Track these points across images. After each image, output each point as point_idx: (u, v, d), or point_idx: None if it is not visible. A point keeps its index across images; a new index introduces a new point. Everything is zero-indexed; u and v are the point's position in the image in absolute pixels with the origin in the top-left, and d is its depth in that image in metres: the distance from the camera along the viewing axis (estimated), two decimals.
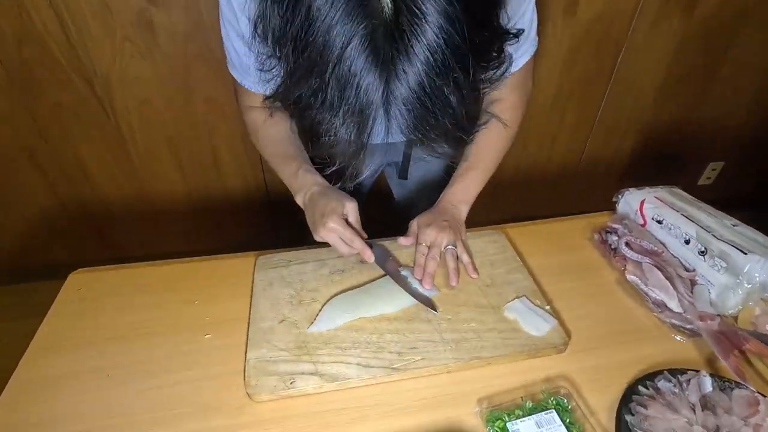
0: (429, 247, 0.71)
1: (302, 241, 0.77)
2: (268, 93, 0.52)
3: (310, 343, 0.60)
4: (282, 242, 0.78)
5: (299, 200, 0.71)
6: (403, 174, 1.01)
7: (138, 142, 1.39)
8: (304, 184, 0.71)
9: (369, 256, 0.67)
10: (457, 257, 0.71)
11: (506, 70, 0.51)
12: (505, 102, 0.77)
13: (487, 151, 0.79)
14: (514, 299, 0.67)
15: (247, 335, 0.61)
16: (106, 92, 1.28)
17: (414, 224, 0.75)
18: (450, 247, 0.71)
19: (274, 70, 0.49)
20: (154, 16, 1.18)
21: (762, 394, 0.54)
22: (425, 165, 1.01)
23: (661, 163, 1.87)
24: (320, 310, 0.64)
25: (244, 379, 0.56)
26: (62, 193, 1.45)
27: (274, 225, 1.63)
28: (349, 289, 0.68)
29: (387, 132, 0.44)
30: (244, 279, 0.71)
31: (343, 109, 0.41)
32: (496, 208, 1.79)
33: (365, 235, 0.69)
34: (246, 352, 0.59)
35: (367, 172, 0.53)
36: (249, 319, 0.64)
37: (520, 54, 0.69)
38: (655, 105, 1.70)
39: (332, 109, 0.41)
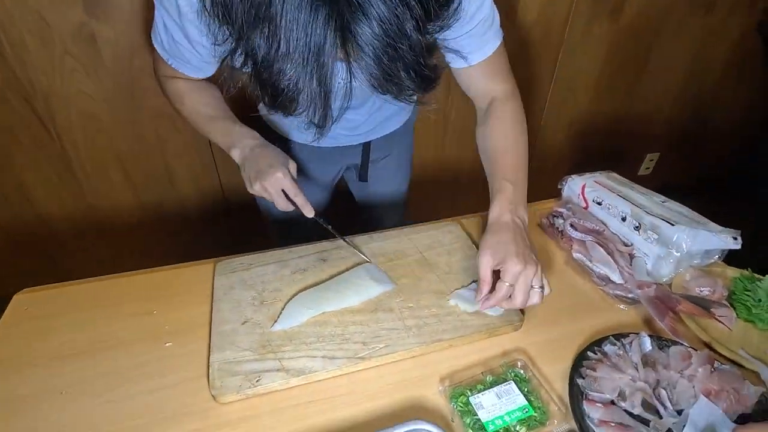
0: (512, 285, 0.60)
1: (263, 245, 0.78)
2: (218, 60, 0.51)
3: (275, 341, 0.60)
4: (242, 248, 0.77)
5: (236, 154, 0.71)
6: (363, 176, 1.03)
7: (84, 160, 1.33)
8: (242, 137, 0.71)
9: (309, 211, 0.69)
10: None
11: (456, 11, 0.50)
12: (500, 96, 0.74)
13: (511, 149, 0.73)
14: (471, 283, 0.70)
15: (210, 340, 0.61)
16: (47, 110, 1.23)
17: (486, 266, 0.61)
18: (535, 289, 0.60)
19: (227, 42, 0.47)
20: (96, 29, 1.15)
21: (694, 348, 0.59)
22: (384, 166, 1.03)
23: (603, 155, 2.00)
24: (283, 308, 0.64)
25: (209, 382, 0.55)
26: (3, 218, 1.36)
27: (231, 230, 1.59)
28: (311, 286, 0.69)
29: (350, 74, 0.45)
30: (204, 286, 0.70)
31: (299, 51, 0.41)
32: (455, 206, 1.85)
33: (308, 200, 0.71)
34: (209, 356, 0.58)
35: (336, 118, 0.53)
36: (210, 324, 0.63)
37: (488, 39, 0.68)
38: (594, 102, 1.82)
39: (288, 55, 0.41)
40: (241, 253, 0.76)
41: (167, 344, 0.62)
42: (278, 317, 0.63)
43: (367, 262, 0.72)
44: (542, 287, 0.61)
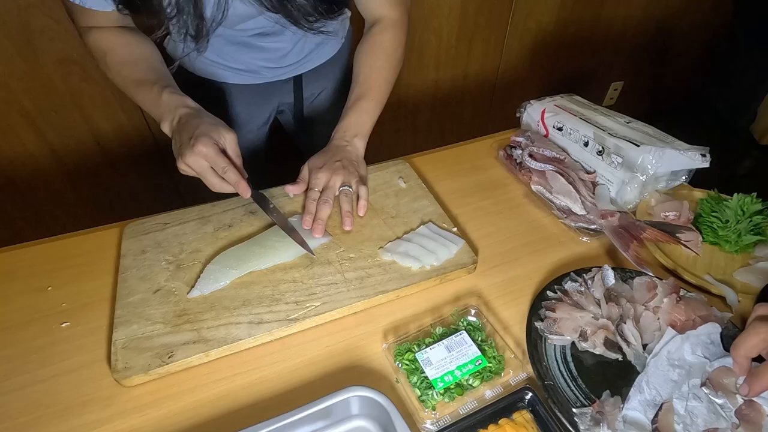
0: (321, 191, 0.63)
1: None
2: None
3: (192, 309, 0.52)
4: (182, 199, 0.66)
5: (166, 127, 0.59)
6: (298, 116, 0.91)
7: None
8: (171, 107, 0.59)
9: (244, 189, 0.58)
10: (357, 198, 0.64)
11: None
12: (385, 21, 0.72)
13: (374, 75, 0.72)
14: (419, 226, 0.62)
15: (113, 315, 0.51)
16: None
17: (305, 169, 0.67)
18: (345, 188, 0.63)
19: None
20: None
21: (659, 278, 0.54)
22: (321, 103, 0.91)
23: (567, 84, 1.91)
24: (202, 271, 0.55)
25: (110, 364, 0.47)
26: None
27: (174, 186, 1.45)
28: (237, 243, 0.59)
29: None
30: (110, 253, 0.60)
31: None
32: (414, 148, 1.75)
33: (246, 175, 0.59)
34: (112, 334, 0.49)
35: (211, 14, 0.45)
36: (115, 296, 0.54)
37: None
38: (558, 25, 1.70)
39: None
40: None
41: (64, 324, 0.52)
42: (196, 281, 0.54)
43: (311, 254, 0.58)
44: (350, 187, 0.63)
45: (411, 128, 1.74)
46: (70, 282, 0.57)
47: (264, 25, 0.68)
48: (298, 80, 0.84)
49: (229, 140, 0.57)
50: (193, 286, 0.54)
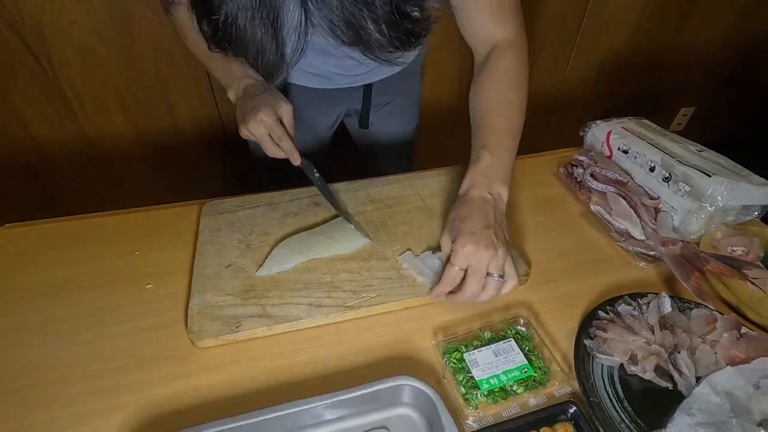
0: (467, 273, 0.52)
1: (257, 189, 0.72)
2: None
3: (259, 286, 0.57)
4: (241, 187, 0.72)
5: (232, 95, 0.66)
6: (363, 122, 0.95)
7: (82, 96, 1.27)
8: (239, 76, 0.65)
9: (296, 158, 0.63)
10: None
11: None
12: (502, 45, 0.63)
13: (507, 109, 0.62)
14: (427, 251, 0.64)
15: (190, 282, 0.57)
16: (39, 43, 1.16)
17: (447, 244, 0.54)
18: (493, 277, 0.51)
19: None
20: None
21: (720, 312, 0.53)
22: (387, 112, 0.95)
23: (633, 105, 1.85)
24: (269, 253, 0.60)
25: (186, 326, 0.52)
26: (3, 151, 1.34)
27: (233, 168, 1.53)
28: (302, 230, 0.64)
29: (305, 17, 0.38)
30: (189, 228, 0.66)
31: None
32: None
33: (298, 145, 0.64)
34: (188, 299, 0.55)
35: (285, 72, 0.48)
36: (192, 266, 0.59)
37: None
38: (630, 44, 1.65)
39: None
40: (237, 194, 0.71)
41: (148, 286, 0.59)
42: (264, 262, 0.59)
43: (349, 223, 0.64)
44: (502, 276, 0.51)
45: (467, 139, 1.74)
46: (154, 249, 0.63)
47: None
48: (368, 88, 0.87)
49: (286, 112, 0.62)
50: (261, 266, 0.59)
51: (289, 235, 0.63)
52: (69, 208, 1.47)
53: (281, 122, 0.62)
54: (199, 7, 0.42)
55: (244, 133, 0.62)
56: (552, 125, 1.82)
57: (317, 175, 0.66)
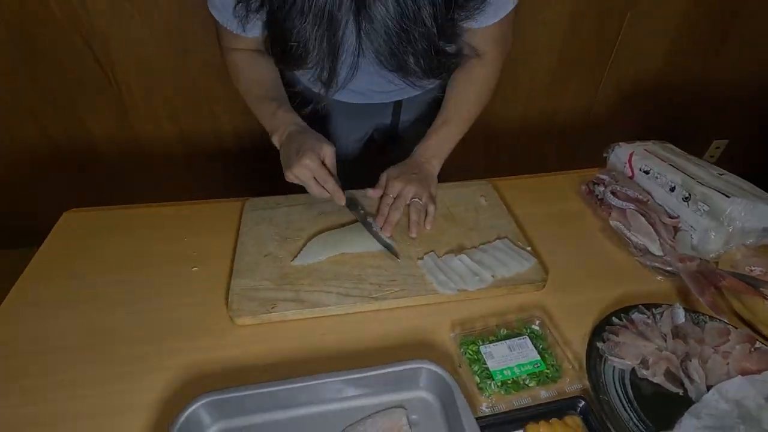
0: (395, 198, 0.70)
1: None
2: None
3: (293, 274, 0.62)
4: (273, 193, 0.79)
5: (276, 140, 0.71)
6: (391, 137, 1.01)
7: (138, 104, 1.40)
8: (282, 123, 0.70)
9: (340, 198, 0.67)
10: (426, 211, 0.70)
11: (484, 3, 0.52)
12: (485, 57, 0.76)
13: (463, 105, 0.79)
14: (495, 240, 0.67)
15: (232, 268, 0.63)
16: (105, 54, 1.29)
17: (383, 176, 0.74)
18: (416, 200, 0.70)
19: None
20: None
21: (734, 327, 0.54)
22: (415, 128, 1.01)
23: (662, 135, 1.84)
24: (304, 245, 0.65)
25: (227, 305, 0.58)
26: (64, 150, 1.46)
27: (269, 176, 1.62)
28: (335, 227, 0.69)
29: (359, 46, 0.45)
30: (232, 220, 0.73)
31: (312, 11, 0.42)
32: (496, 170, 1.79)
33: (339, 183, 0.68)
34: (230, 282, 0.61)
35: (343, 79, 0.54)
36: (234, 254, 0.65)
37: (504, 3, 0.66)
38: (661, 72, 1.67)
39: (302, 13, 0.42)
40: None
41: (194, 268, 0.65)
42: (299, 253, 0.64)
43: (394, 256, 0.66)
44: (420, 200, 0.68)
45: (494, 155, 1.78)
46: (201, 237, 0.70)
47: None
48: (398, 104, 0.94)
49: (329, 154, 0.66)
50: (296, 256, 0.64)
51: (323, 231, 0.68)
52: (116, 202, 1.59)
53: (324, 164, 0.66)
54: (274, 32, 0.48)
55: (290, 177, 0.66)
56: (578, 150, 1.84)
57: (362, 211, 0.71)
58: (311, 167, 0.64)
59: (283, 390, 0.46)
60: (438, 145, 0.77)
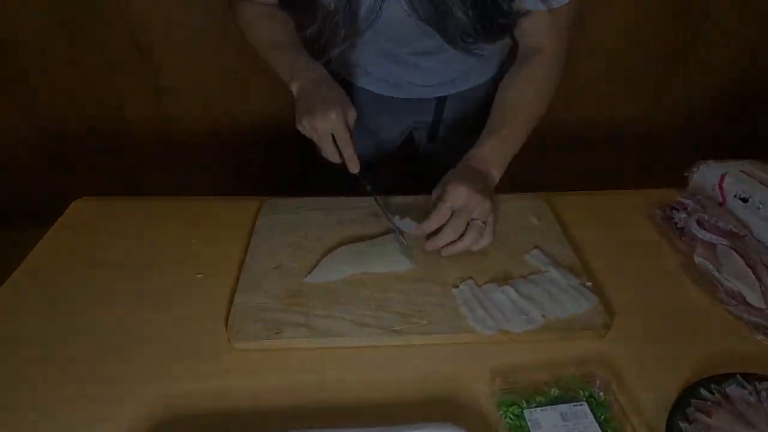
0: (454, 211, 0.56)
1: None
2: None
3: (305, 293, 0.53)
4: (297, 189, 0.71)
5: (295, 87, 0.62)
6: (432, 135, 0.90)
7: (172, 88, 1.37)
8: (305, 69, 0.62)
9: (355, 165, 0.58)
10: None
11: None
12: (544, 53, 0.66)
13: (523, 109, 0.67)
14: (548, 270, 0.56)
15: (238, 279, 0.55)
16: (146, 39, 1.26)
17: (439, 187, 0.61)
18: (477, 221, 0.56)
19: None
20: None
21: None
22: (458, 128, 0.89)
23: (754, 147, 1.61)
24: (321, 259, 0.57)
25: (227, 324, 0.50)
26: (100, 131, 1.46)
27: (293, 172, 1.57)
28: (356, 240, 0.60)
29: None
30: (246, 222, 0.65)
31: None
32: (545, 178, 1.64)
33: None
34: (233, 297, 0.53)
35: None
36: (242, 263, 0.58)
37: None
38: (745, 78, 1.45)
39: None
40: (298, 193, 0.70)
41: (198, 275, 0.58)
42: (313, 269, 0.56)
43: (399, 235, 0.60)
44: (485, 223, 0.56)
45: (550, 164, 1.62)
46: (210, 239, 0.63)
47: (426, 46, 0.68)
48: (441, 101, 0.83)
49: (351, 117, 0.58)
50: (310, 272, 0.55)
51: (343, 242, 0.59)
52: (143, 184, 1.57)
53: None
54: None
55: (305, 126, 0.58)
56: (646, 162, 1.64)
57: (369, 187, 0.62)
58: (335, 123, 0.56)
59: None
60: (498, 152, 0.64)
